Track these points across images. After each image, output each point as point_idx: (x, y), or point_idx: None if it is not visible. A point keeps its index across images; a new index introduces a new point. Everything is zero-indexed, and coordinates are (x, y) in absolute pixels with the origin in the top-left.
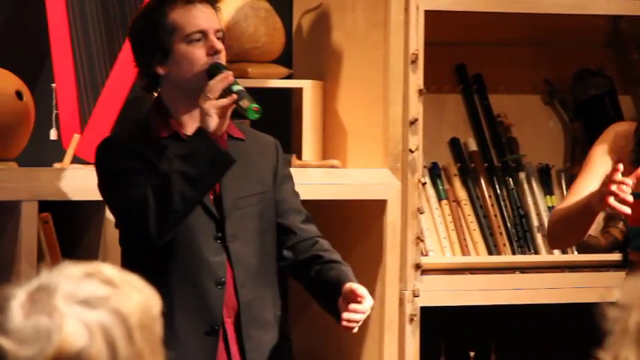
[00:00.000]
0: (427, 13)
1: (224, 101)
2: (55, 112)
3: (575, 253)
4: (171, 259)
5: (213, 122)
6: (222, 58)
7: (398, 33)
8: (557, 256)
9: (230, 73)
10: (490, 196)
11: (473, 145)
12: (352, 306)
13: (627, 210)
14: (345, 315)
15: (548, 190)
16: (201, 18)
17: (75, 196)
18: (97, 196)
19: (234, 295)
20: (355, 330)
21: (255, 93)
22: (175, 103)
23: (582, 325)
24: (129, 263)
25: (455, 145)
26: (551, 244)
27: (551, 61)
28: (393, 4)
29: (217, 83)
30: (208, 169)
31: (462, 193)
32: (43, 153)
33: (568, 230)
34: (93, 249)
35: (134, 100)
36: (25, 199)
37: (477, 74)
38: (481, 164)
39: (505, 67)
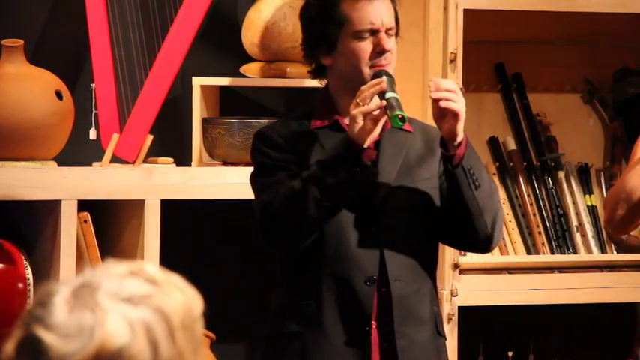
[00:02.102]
0: (466, 11)
1: (371, 107)
2: (94, 111)
3: (615, 252)
4: (319, 255)
5: (358, 128)
6: (389, 58)
7: (437, 32)
8: (596, 255)
9: (383, 80)
10: (529, 196)
11: (512, 145)
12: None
13: None
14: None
15: (587, 190)
16: (373, 14)
17: (114, 195)
18: (135, 195)
19: (388, 289)
20: (448, 103)
21: (293, 92)
22: (340, 94)
23: (621, 324)
24: (280, 260)
25: (494, 144)
26: (617, 225)
27: (590, 60)
28: (432, 2)
29: (368, 89)
30: (344, 179)
31: (500, 193)
32: (83, 153)
33: None
34: (132, 248)
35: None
36: (65, 199)
37: (515, 73)
38: (520, 163)
39: (544, 65)
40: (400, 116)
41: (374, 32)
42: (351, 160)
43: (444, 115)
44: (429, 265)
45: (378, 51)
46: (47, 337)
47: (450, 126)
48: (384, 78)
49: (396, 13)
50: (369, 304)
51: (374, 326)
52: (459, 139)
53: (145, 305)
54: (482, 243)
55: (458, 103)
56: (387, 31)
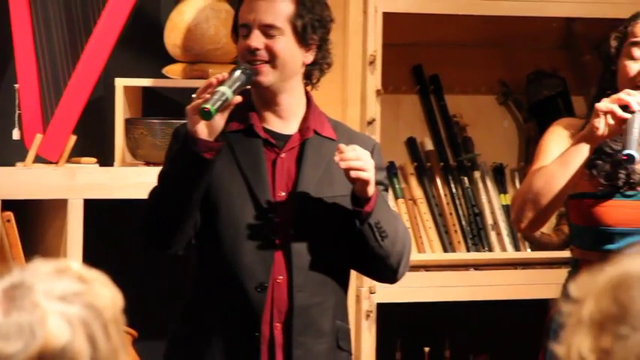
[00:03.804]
0: (385, 15)
1: (196, 103)
2: (17, 112)
3: (528, 250)
4: (214, 260)
5: (190, 122)
6: (262, 56)
7: (357, 34)
8: (510, 253)
9: (211, 80)
10: (445, 195)
11: (429, 145)
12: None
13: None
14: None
15: (502, 189)
16: (248, 11)
17: (37, 195)
18: (59, 194)
19: (288, 299)
20: (357, 173)
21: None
22: (254, 97)
23: (534, 320)
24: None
25: (411, 144)
26: (524, 224)
27: (506, 63)
28: (352, 6)
29: (204, 84)
30: (184, 170)
31: (418, 192)
32: (6, 153)
33: (548, 197)
34: (55, 247)
35: None
36: None
37: (433, 75)
38: (437, 163)
39: (461, 68)
40: (206, 109)
41: (248, 29)
42: (190, 153)
43: (354, 181)
44: (338, 280)
45: (247, 49)
46: None
47: (361, 190)
48: (220, 76)
49: (296, 14)
50: (258, 310)
51: (275, 332)
52: (369, 196)
53: (79, 302)
54: (389, 277)
55: (367, 171)
56: (262, 29)
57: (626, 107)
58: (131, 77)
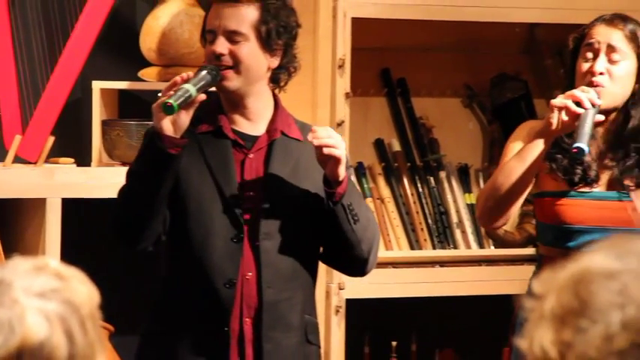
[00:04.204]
0: (354, 20)
1: (160, 100)
2: None
3: (492, 247)
4: (182, 258)
5: (155, 119)
6: (226, 61)
7: (326, 39)
8: (474, 250)
9: (176, 79)
10: (412, 194)
11: (396, 146)
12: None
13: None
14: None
15: (466, 189)
16: (213, 17)
17: (17, 194)
18: (37, 194)
19: (258, 295)
20: (330, 150)
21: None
22: (223, 100)
23: (498, 316)
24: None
25: (379, 145)
26: (487, 218)
27: (470, 67)
28: (321, 11)
29: (169, 83)
30: (150, 166)
31: (385, 192)
32: None
33: (508, 189)
34: (34, 245)
35: None
36: None
37: (400, 78)
38: (404, 164)
39: (427, 72)
40: (169, 104)
41: (214, 35)
42: (155, 149)
43: (326, 159)
44: (306, 276)
45: (212, 54)
46: None
47: (332, 169)
48: (185, 75)
49: (260, 20)
50: (227, 305)
51: (245, 327)
52: (341, 178)
53: (57, 299)
54: (359, 268)
55: (338, 149)
56: (227, 35)
57: (579, 104)
58: (108, 80)
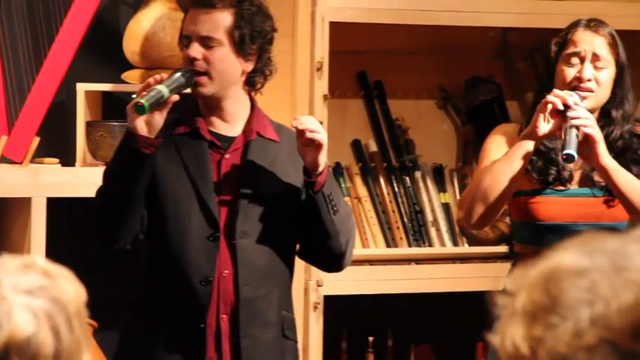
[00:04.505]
0: (332, 24)
1: (134, 102)
2: None
3: (466, 245)
4: (160, 256)
5: (130, 120)
6: (200, 66)
7: (305, 42)
8: (449, 248)
9: (149, 80)
10: (388, 194)
11: (373, 147)
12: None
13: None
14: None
15: (441, 188)
16: (189, 23)
17: (2, 193)
18: (23, 193)
19: (234, 292)
20: (313, 134)
21: None
22: (200, 103)
23: (471, 312)
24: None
25: (356, 146)
26: (478, 222)
27: (445, 69)
28: (300, 15)
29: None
30: (126, 166)
31: (362, 191)
32: None
33: (496, 191)
34: (19, 243)
35: None
36: None
37: (377, 81)
38: (380, 164)
39: (403, 74)
40: (140, 104)
41: (189, 40)
42: (129, 149)
43: (308, 145)
44: (283, 273)
45: (187, 58)
46: None
47: (314, 156)
48: (159, 76)
49: (234, 26)
50: (204, 302)
51: (222, 323)
52: (321, 168)
53: (44, 296)
54: (336, 262)
55: (321, 134)
56: (201, 41)
57: (565, 106)
58: (92, 82)
